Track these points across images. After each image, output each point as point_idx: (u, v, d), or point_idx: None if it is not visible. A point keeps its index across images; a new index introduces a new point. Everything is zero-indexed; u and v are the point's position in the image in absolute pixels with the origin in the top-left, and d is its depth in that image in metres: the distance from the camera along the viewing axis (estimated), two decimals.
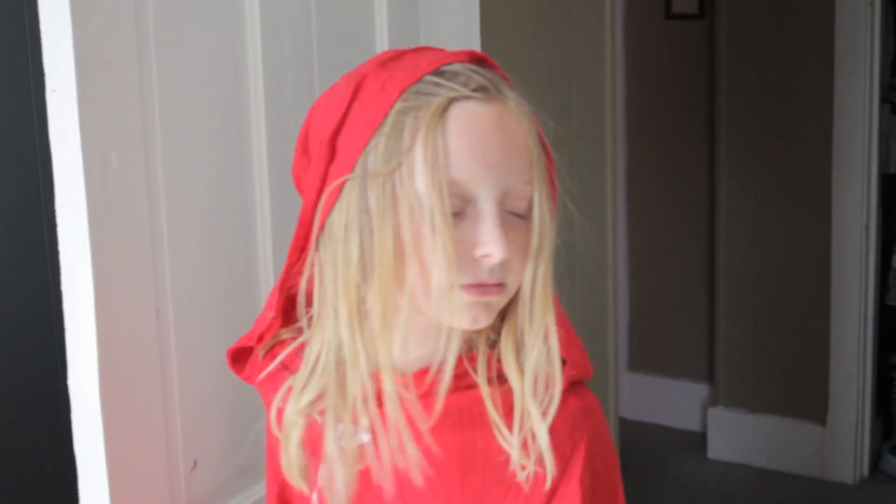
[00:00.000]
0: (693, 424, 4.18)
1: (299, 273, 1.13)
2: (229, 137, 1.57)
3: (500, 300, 1.07)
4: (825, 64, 3.67)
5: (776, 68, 3.77)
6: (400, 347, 1.08)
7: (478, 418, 1.11)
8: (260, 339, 1.20)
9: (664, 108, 4.15)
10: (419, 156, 1.02)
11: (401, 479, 1.10)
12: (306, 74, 1.67)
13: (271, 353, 1.20)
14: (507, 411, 1.10)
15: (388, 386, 1.06)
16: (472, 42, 2.08)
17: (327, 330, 1.09)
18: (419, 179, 1.02)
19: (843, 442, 3.79)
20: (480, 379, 1.11)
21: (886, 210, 3.84)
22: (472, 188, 1.04)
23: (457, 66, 1.07)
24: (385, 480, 1.08)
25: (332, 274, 1.07)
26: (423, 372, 1.10)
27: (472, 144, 1.04)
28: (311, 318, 1.13)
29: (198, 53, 1.51)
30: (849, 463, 3.79)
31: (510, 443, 1.09)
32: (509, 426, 1.09)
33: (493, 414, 1.10)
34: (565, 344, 1.10)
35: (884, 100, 3.73)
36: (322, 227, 1.08)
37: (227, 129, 1.56)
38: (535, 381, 1.09)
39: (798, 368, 3.84)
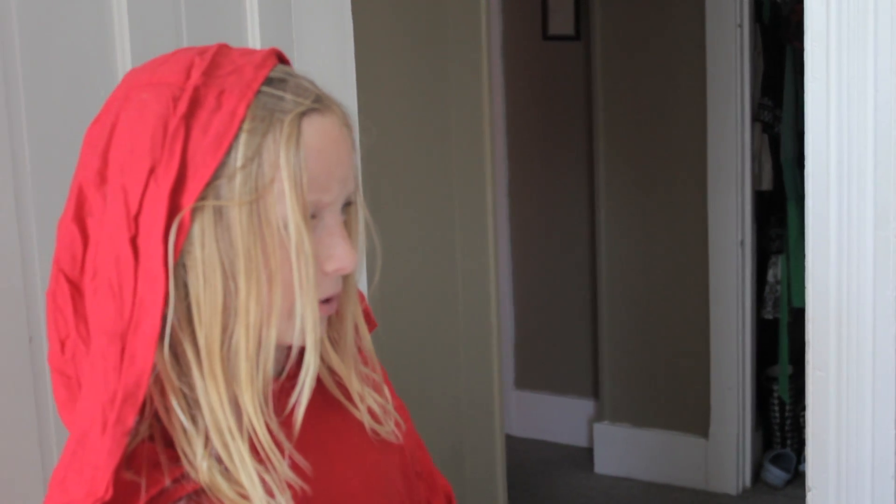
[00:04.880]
0: (580, 440, 4.22)
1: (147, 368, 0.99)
2: None
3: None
4: (698, 84, 3.76)
5: (650, 88, 3.85)
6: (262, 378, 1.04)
7: (329, 404, 1.16)
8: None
9: (544, 128, 4.20)
10: (286, 183, 1.00)
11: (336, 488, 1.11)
12: None
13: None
14: (346, 392, 1.17)
15: (259, 428, 1.02)
16: (347, 65, 2.08)
17: (205, 388, 1.01)
18: (287, 205, 1.00)
19: (724, 453, 3.86)
20: (322, 371, 1.15)
21: (760, 226, 3.94)
22: (324, 205, 1.04)
23: (279, 72, 1.05)
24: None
25: (186, 321, 1.00)
26: (278, 392, 1.07)
27: (328, 163, 1.03)
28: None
29: (66, 75, 1.50)
30: (731, 474, 3.87)
31: (361, 412, 1.17)
32: (353, 403, 1.17)
33: (341, 398, 1.17)
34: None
35: (755, 119, 3.83)
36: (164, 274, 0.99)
37: None
38: (357, 363, 1.16)
39: (680, 382, 3.91)
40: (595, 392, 4.16)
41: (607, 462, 4.05)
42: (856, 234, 1.65)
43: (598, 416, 4.11)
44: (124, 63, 1.57)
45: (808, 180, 1.68)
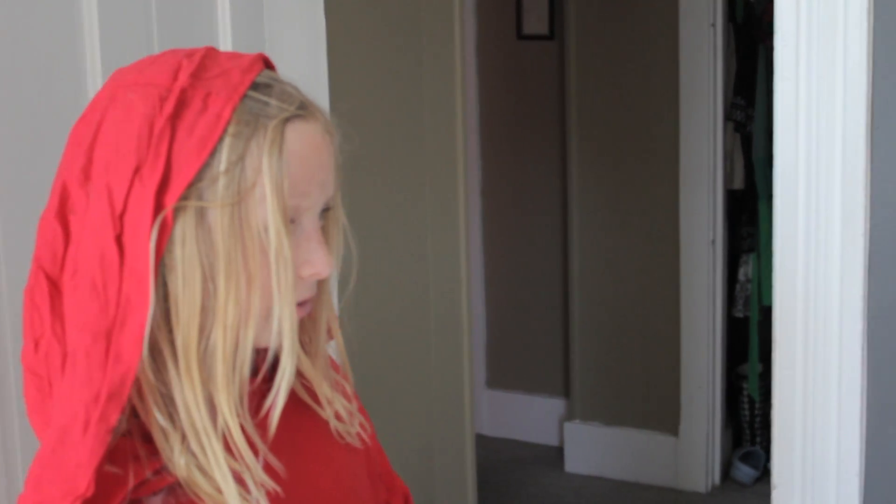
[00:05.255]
0: (551, 439, 4.23)
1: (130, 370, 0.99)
2: None
3: None
4: (671, 84, 3.77)
5: (624, 88, 3.86)
6: (239, 380, 1.04)
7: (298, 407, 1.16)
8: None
9: (517, 128, 4.20)
10: (267, 187, 1.00)
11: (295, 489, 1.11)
12: None
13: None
14: (312, 394, 1.17)
15: (234, 429, 1.02)
16: (319, 65, 2.08)
17: (181, 387, 1.01)
18: (267, 209, 1.01)
19: (694, 451, 3.88)
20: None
21: (732, 224, 3.96)
22: (303, 210, 1.05)
23: (265, 77, 1.06)
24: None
25: (163, 320, 1.01)
26: (252, 393, 1.08)
27: (309, 169, 1.04)
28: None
29: (36, 76, 1.49)
30: (701, 472, 3.88)
31: (328, 416, 1.17)
32: (320, 405, 1.17)
33: (308, 400, 1.17)
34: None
35: (727, 118, 3.85)
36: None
37: None
38: (326, 367, 1.17)
39: (650, 381, 3.93)
40: (566, 391, 4.17)
41: (578, 461, 4.05)
42: (823, 233, 1.66)
43: (569, 415, 4.12)
44: (94, 65, 1.57)
45: (777, 179, 1.69)
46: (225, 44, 1.83)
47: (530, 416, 4.27)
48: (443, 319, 3.00)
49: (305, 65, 2.03)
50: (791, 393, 1.68)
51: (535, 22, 4.14)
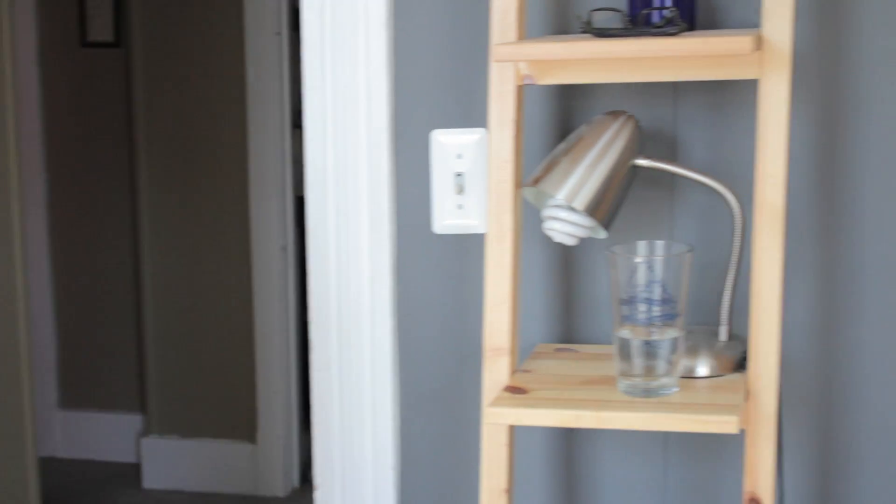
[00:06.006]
0: (128, 456, 4.13)
1: None
2: None
3: None
4: (238, 91, 3.78)
5: (192, 96, 3.84)
6: None
7: None
8: None
9: (85, 137, 4.09)
10: None
11: None
12: None
13: None
14: None
15: None
16: None
17: None
18: None
19: (272, 457, 3.91)
20: None
21: (303, 230, 4.02)
22: None
23: None
24: None
25: None
26: None
27: None
28: None
29: None
30: (279, 476, 3.91)
31: None
32: None
33: None
34: None
35: (296, 125, 3.91)
36: None
37: None
38: None
39: (227, 390, 3.92)
40: (143, 406, 4.09)
41: (156, 476, 3.98)
42: (354, 236, 1.71)
43: (146, 431, 4.04)
44: None
45: (308, 185, 1.72)
46: None
47: (107, 435, 4.16)
48: None
49: None
50: (328, 394, 1.72)
51: (100, 29, 4.06)
